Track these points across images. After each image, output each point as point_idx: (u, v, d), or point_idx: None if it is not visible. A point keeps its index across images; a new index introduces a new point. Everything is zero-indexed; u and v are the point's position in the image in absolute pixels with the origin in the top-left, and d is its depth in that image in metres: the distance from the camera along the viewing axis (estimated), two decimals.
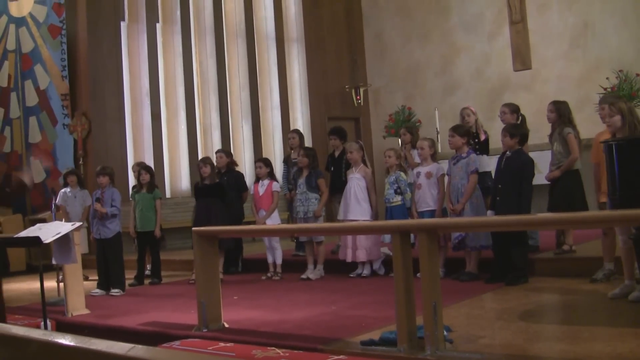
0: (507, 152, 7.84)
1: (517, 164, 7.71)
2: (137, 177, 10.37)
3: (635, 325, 5.44)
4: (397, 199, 9.00)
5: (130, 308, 7.95)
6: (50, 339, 2.65)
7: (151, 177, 10.20)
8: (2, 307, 6.18)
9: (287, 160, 11.19)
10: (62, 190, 10.33)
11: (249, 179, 13.68)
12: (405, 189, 9.01)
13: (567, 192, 8.01)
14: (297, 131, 11.47)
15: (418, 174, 8.69)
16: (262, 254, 10.16)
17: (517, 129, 7.90)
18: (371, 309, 6.78)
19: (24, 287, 10.29)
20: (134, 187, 10.83)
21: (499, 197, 7.78)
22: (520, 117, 9.05)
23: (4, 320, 6.00)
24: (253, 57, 15.87)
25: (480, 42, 15.63)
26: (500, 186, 7.80)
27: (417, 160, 9.29)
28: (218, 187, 9.98)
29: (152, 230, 10.07)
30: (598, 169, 7.17)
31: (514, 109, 8.97)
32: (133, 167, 11.59)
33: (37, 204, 13.39)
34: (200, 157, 14.13)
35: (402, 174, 9.11)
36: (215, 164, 10.27)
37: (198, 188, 10.15)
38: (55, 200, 9.98)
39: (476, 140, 9.01)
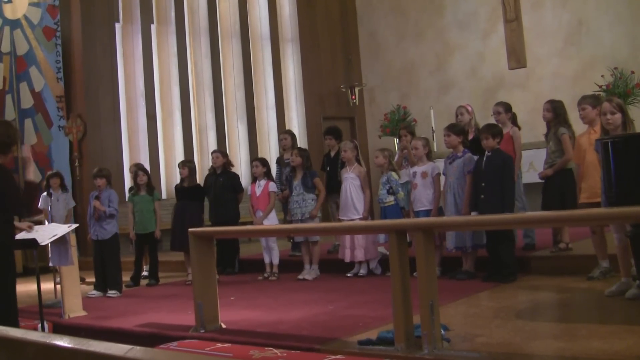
0: (487, 152, 7.88)
1: (497, 163, 7.75)
2: (134, 178, 10.33)
3: (632, 322, 5.45)
4: (390, 199, 9.00)
5: (127, 309, 7.94)
6: (48, 341, 2.65)
7: (149, 179, 10.21)
8: (16, 311, 6.19)
9: (279, 161, 11.20)
10: (44, 193, 10.30)
11: (244, 179, 13.68)
12: (397, 188, 9.01)
13: (560, 191, 8.03)
14: (289, 132, 11.50)
15: (414, 173, 8.70)
16: (259, 254, 10.16)
17: (495, 129, 7.95)
18: (368, 308, 6.79)
19: (20, 289, 10.16)
20: (131, 188, 10.83)
21: (483, 196, 7.81)
22: (511, 116, 9.10)
23: (17, 325, 6.00)
24: (248, 57, 15.87)
25: (475, 41, 15.65)
26: (483, 184, 7.83)
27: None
28: (196, 190, 10.05)
29: (152, 231, 10.07)
30: (580, 169, 7.18)
31: (508, 108, 9.02)
32: (130, 168, 11.57)
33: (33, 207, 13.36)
34: (196, 157, 14.18)
35: (394, 173, 9.10)
36: (195, 166, 10.36)
37: (177, 189, 10.25)
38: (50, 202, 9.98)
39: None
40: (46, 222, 9.59)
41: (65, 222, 9.61)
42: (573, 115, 8.31)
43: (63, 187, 10.45)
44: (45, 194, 10.31)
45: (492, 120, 8.89)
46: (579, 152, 7.13)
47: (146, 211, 10.07)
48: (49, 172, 10.71)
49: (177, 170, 13.86)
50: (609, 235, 6.98)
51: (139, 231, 10.08)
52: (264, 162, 10.05)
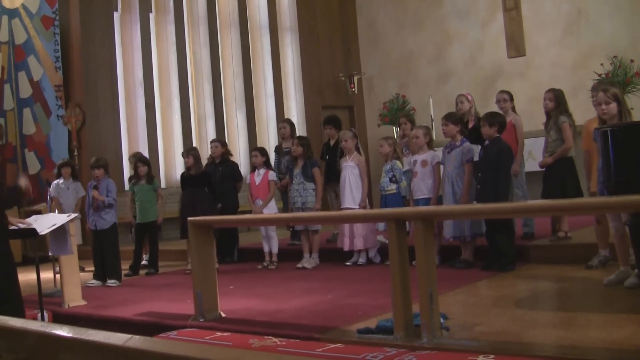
0: (486, 142, 7.87)
1: (494, 153, 7.74)
2: (135, 168, 10.35)
3: (630, 311, 5.46)
4: (392, 188, 9.01)
5: (127, 298, 7.95)
6: (47, 331, 2.66)
7: (149, 169, 10.22)
8: (21, 301, 6.20)
9: (278, 150, 11.21)
10: (55, 181, 10.35)
11: (243, 168, 13.68)
12: (400, 177, 9.01)
13: (560, 180, 8.03)
14: (288, 121, 11.50)
15: (414, 162, 8.70)
16: (258, 243, 10.16)
17: (495, 118, 7.93)
18: (367, 297, 6.80)
19: (20, 278, 10.20)
20: (130, 178, 10.83)
21: (479, 186, 7.82)
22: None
23: (23, 315, 6.03)
24: (247, 46, 15.84)
25: (474, 30, 15.61)
26: (480, 175, 7.84)
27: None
28: (203, 177, 10.03)
29: (152, 221, 10.09)
30: (589, 156, 7.17)
31: (512, 96, 9.05)
32: (129, 158, 11.57)
33: (32, 196, 13.35)
34: (195, 146, 14.15)
35: (398, 162, 9.11)
36: (199, 154, 10.31)
37: (184, 178, 10.21)
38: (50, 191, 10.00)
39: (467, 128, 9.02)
40: (56, 211, 9.62)
41: (75, 211, 9.63)
42: (573, 103, 8.33)
43: (74, 175, 10.45)
44: (55, 182, 10.33)
45: (492, 109, 8.88)
46: (588, 139, 7.09)
47: (146, 200, 10.09)
48: (61, 161, 10.72)
49: (176, 159, 14.00)
50: None
51: (140, 220, 10.09)
52: (263, 152, 10.06)
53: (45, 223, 7.12)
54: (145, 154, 12.74)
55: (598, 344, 4.54)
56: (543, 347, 4.69)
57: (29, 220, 7.22)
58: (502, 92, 9.16)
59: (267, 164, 9.95)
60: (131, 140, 13.83)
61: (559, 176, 8.06)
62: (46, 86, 13.52)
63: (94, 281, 9.25)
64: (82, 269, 9.42)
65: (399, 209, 7.69)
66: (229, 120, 15.34)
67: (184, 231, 9.86)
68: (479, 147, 8.13)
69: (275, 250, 9.74)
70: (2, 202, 5.98)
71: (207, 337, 5.33)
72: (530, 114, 11.55)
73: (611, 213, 6.37)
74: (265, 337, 5.18)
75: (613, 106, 6.18)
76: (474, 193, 7.97)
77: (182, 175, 10.38)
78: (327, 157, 10.47)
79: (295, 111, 16.34)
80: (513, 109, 9.07)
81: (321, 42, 17.02)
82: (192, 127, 14.86)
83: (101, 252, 9.33)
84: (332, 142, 10.46)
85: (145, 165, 10.19)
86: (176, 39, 14.70)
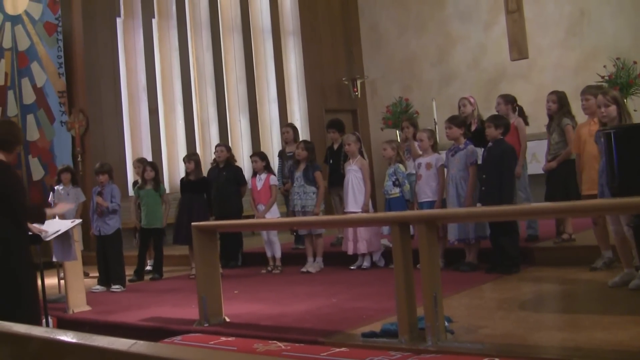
0: (489, 143, 7.88)
1: (498, 154, 7.75)
2: (142, 173, 10.34)
3: (635, 313, 5.45)
4: (396, 191, 9.00)
5: (131, 304, 7.95)
6: (51, 336, 2.65)
7: (156, 174, 10.23)
8: (38, 307, 6.16)
9: (281, 154, 11.22)
10: (56, 187, 10.36)
11: (247, 173, 13.69)
12: (403, 181, 9.00)
13: (564, 182, 8.02)
14: (291, 125, 11.52)
15: (419, 165, 8.71)
16: (262, 247, 10.15)
17: (500, 120, 7.95)
18: (372, 300, 6.79)
19: None
20: (135, 182, 10.83)
21: (483, 188, 7.82)
22: (517, 108, 9.09)
23: (39, 322, 6.00)
24: (249, 50, 15.85)
25: (476, 32, 15.61)
26: (484, 176, 7.84)
27: (420, 151, 9.29)
28: (202, 183, 10.05)
29: (157, 227, 10.09)
30: (579, 159, 7.20)
31: (509, 100, 9.03)
32: (134, 164, 11.58)
33: (36, 202, 13.36)
34: (198, 151, 14.17)
35: (401, 165, 9.11)
36: (199, 159, 10.35)
37: (183, 183, 10.25)
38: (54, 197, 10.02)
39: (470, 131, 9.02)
40: (57, 217, 9.61)
41: (76, 217, 9.62)
42: (576, 105, 8.32)
43: (74, 181, 10.46)
44: (55, 188, 10.34)
45: (494, 112, 8.90)
46: (579, 142, 7.16)
47: (152, 205, 10.09)
48: (60, 167, 10.73)
49: (180, 164, 13.98)
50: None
51: (145, 225, 10.09)
52: (263, 156, 10.05)
53: (49, 229, 7.13)
54: (149, 159, 12.75)
55: (603, 345, 4.53)
56: (548, 349, 4.68)
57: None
58: (499, 96, 9.20)
59: (267, 168, 9.93)
60: (135, 145, 13.85)
61: (562, 178, 8.05)
62: (49, 92, 13.53)
63: (98, 287, 9.26)
64: (86, 275, 9.42)
65: (403, 213, 7.70)
66: (232, 125, 15.35)
67: (177, 236, 9.91)
68: (482, 149, 8.13)
69: (278, 255, 9.74)
70: (25, 212, 5.96)
71: (212, 342, 5.32)
72: (533, 116, 11.50)
73: (611, 216, 6.38)
74: (270, 341, 5.17)
75: (612, 109, 6.20)
76: (478, 195, 7.97)
77: (182, 180, 10.42)
78: (331, 161, 10.48)
79: (298, 115, 16.35)
80: (515, 111, 9.05)
81: (324, 46, 17.02)
82: (195, 131, 14.87)
83: (105, 257, 9.34)
84: (335, 146, 10.47)
85: (154, 171, 10.20)
86: (179, 43, 14.73)
